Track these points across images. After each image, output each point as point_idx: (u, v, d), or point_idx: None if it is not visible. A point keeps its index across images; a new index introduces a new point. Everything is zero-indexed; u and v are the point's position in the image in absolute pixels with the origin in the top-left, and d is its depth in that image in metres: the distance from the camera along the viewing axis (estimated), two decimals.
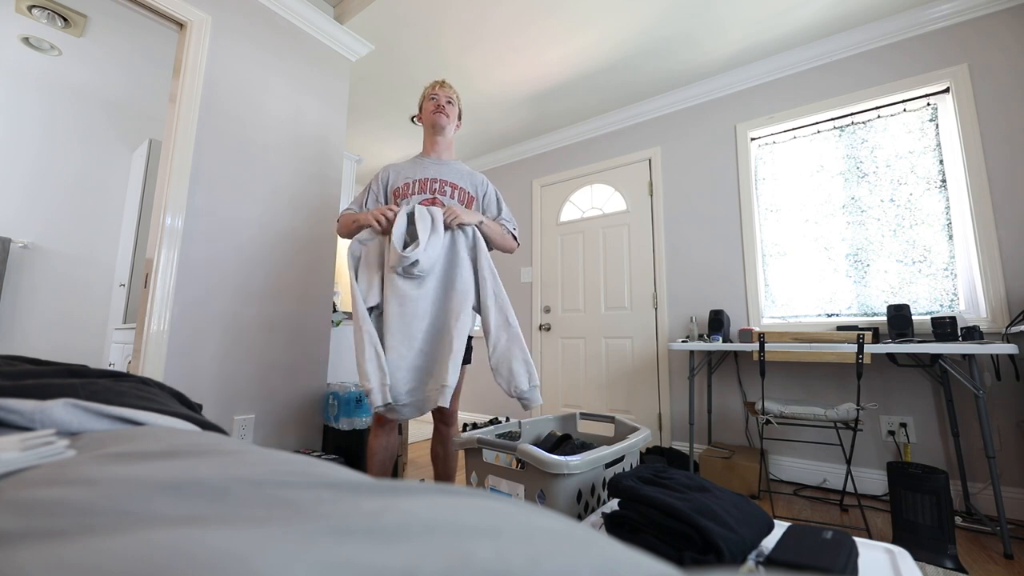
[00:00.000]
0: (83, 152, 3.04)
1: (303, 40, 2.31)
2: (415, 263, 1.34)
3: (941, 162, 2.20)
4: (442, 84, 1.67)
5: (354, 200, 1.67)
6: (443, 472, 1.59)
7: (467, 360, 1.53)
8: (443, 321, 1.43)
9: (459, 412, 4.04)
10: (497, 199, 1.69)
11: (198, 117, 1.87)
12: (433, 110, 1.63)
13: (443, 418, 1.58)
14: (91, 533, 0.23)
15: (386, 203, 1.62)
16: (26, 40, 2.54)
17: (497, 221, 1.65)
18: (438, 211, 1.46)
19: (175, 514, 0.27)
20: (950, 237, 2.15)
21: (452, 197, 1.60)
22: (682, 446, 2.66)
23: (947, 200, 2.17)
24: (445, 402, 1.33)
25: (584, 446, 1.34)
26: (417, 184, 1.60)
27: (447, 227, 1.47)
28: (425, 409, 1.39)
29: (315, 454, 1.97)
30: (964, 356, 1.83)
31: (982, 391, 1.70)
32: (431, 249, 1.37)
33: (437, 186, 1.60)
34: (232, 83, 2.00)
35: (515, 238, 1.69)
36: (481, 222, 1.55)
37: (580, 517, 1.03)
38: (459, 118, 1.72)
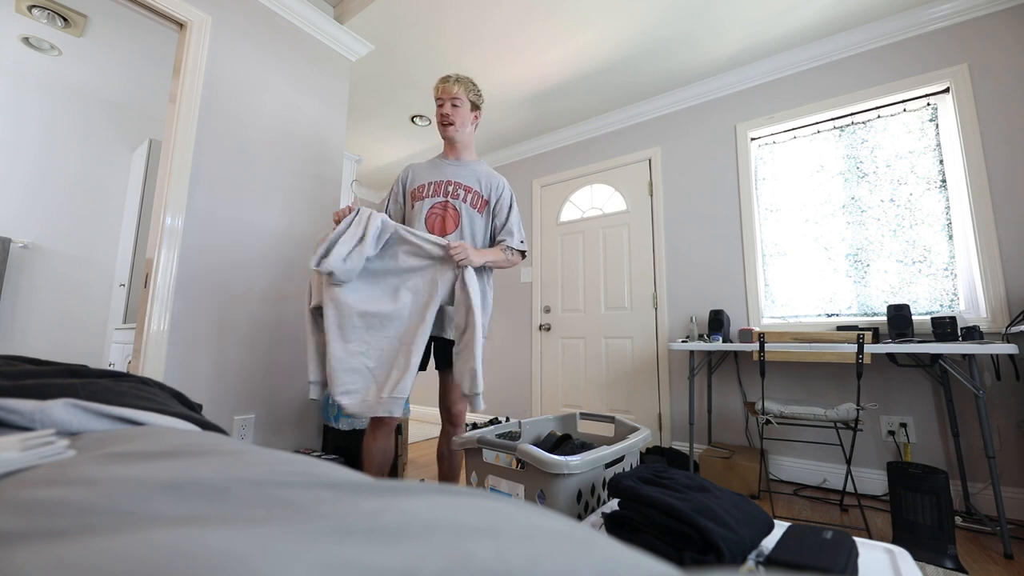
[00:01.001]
0: (83, 152, 3.04)
1: (303, 40, 2.31)
2: (331, 273, 1.31)
3: (941, 162, 2.20)
4: (445, 83, 1.57)
5: (382, 201, 1.67)
6: (447, 472, 1.59)
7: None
8: (395, 331, 1.38)
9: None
10: (510, 207, 1.63)
11: (198, 117, 1.87)
12: (440, 121, 1.60)
13: (451, 419, 1.57)
14: (91, 533, 0.23)
15: (404, 204, 1.63)
16: (26, 40, 2.54)
17: (501, 244, 1.58)
18: (379, 220, 1.37)
19: (175, 514, 0.27)
20: (950, 237, 2.15)
21: (464, 200, 1.57)
22: (682, 446, 2.66)
23: (947, 200, 2.17)
24: (395, 411, 1.29)
25: (584, 446, 1.34)
26: (432, 186, 1.58)
27: (455, 263, 1.41)
28: (368, 412, 1.31)
29: (315, 454, 1.98)
30: (964, 356, 1.83)
31: (982, 391, 1.70)
32: (351, 261, 1.33)
33: (451, 188, 1.57)
34: (232, 83, 2.00)
35: (523, 253, 1.64)
36: (487, 261, 1.51)
37: (580, 517, 1.03)
38: (475, 109, 1.63)
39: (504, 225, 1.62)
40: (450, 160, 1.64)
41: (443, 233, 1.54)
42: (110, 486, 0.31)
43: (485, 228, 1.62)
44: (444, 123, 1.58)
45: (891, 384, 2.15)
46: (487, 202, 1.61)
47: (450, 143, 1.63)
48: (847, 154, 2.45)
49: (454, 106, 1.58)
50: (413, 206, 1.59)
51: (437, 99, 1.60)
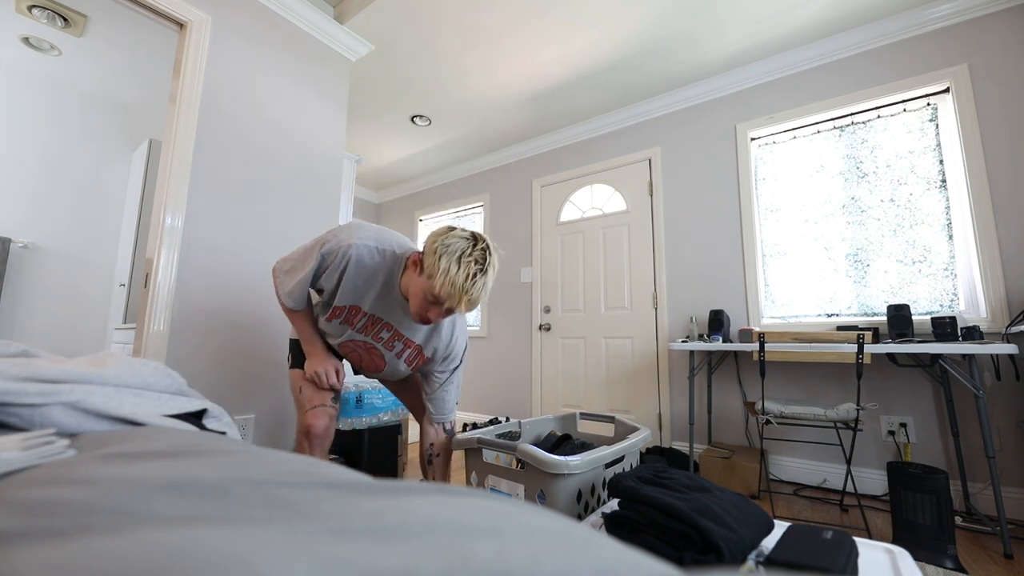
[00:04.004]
0: (83, 152, 3.04)
1: (303, 40, 2.31)
2: None
3: (941, 162, 2.20)
4: (470, 296, 1.01)
5: (297, 263, 1.17)
6: (441, 476, 1.43)
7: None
8: None
9: (459, 412, 4.03)
10: (455, 370, 1.31)
11: (198, 117, 1.87)
12: (425, 317, 1.08)
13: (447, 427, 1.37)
14: (90, 533, 0.23)
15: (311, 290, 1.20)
16: (26, 40, 2.53)
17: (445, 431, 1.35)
18: None
19: (175, 514, 0.27)
20: (950, 237, 2.15)
21: (400, 356, 1.25)
22: (682, 446, 2.66)
23: (947, 200, 2.17)
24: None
25: (584, 446, 1.34)
26: (366, 320, 1.18)
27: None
28: None
29: None
30: (964, 356, 1.83)
31: (982, 391, 1.70)
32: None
33: (387, 336, 1.21)
34: (232, 83, 2.00)
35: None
36: None
37: (580, 517, 1.03)
38: None
39: (441, 388, 1.31)
40: (401, 300, 1.16)
41: (359, 365, 1.32)
42: (110, 486, 0.31)
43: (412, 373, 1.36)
44: (424, 321, 1.10)
45: (891, 384, 2.15)
46: (426, 357, 1.28)
47: None
48: (847, 154, 2.45)
49: (449, 312, 1.09)
50: (328, 317, 1.20)
51: (445, 301, 1.03)
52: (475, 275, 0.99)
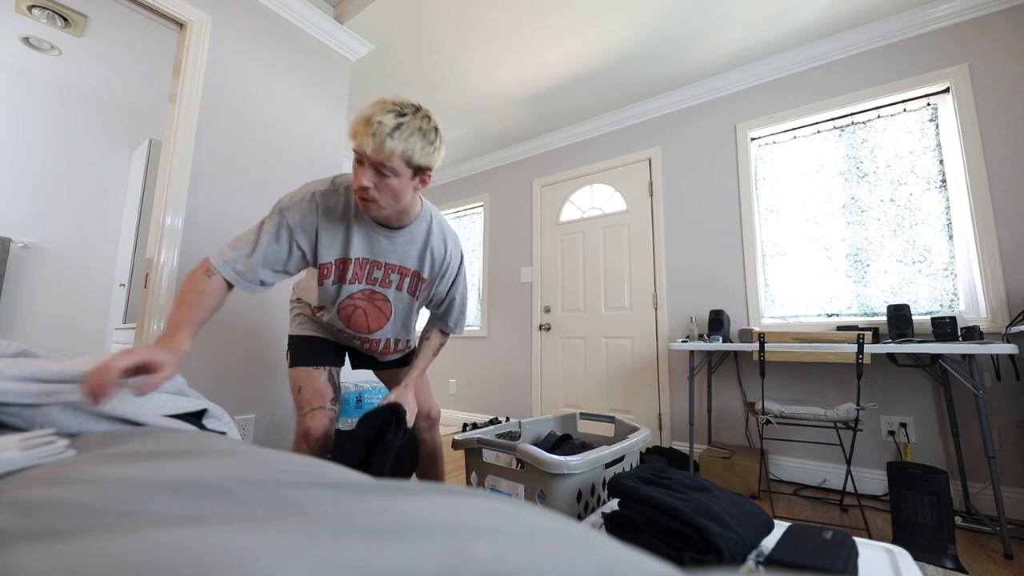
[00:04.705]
0: (83, 152, 3.04)
1: (303, 40, 2.31)
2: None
3: (941, 162, 2.20)
4: (373, 132, 0.88)
5: (250, 232, 1.06)
6: (436, 476, 1.45)
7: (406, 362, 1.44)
8: None
9: (459, 412, 4.02)
10: (453, 282, 1.26)
11: (198, 117, 1.87)
12: (359, 175, 0.94)
13: (431, 424, 1.40)
14: (91, 533, 0.23)
15: (293, 257, 1.07)
16: (26, 40, 2.54)
17: (432, 338, 1.34)
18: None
19: (175, 514, 0.27)
20: (950, 237, 2.15)
21: (399, 287, 1.18)
22: (682, 446, 2.66)
23: (947, 200, 2.17)
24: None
25: (584, 446, 1.35)
26: (355, 266, 1.10)
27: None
28: None
29: None
30: (964, 356, 1.83)
31: (982, 391, 1.70)
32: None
33: (380, 274, 1.15)
34: (232, 83, 2.00)
35: (451, 330, 1.36)
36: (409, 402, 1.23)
37: (580, 517, 1.03)
38: (420, 172, 1.01)
39: (442, 306, 1.29)
40: (378, 228, 1.10)
41: (366, 330, 1.23)
42: (110, 486, 0.31)
43: (420, 306, 1.30)
44: (362, 197, 0.97)
45: (891, 384, 2.15)
46: (424, 281, 1.21)
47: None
48: (847, 154, 2.45)
49: (380, 175, 0.93)
50: (319, 281, 1.13)
51: (355, 152, 0.93)
52: (387, 112, 0.90)
